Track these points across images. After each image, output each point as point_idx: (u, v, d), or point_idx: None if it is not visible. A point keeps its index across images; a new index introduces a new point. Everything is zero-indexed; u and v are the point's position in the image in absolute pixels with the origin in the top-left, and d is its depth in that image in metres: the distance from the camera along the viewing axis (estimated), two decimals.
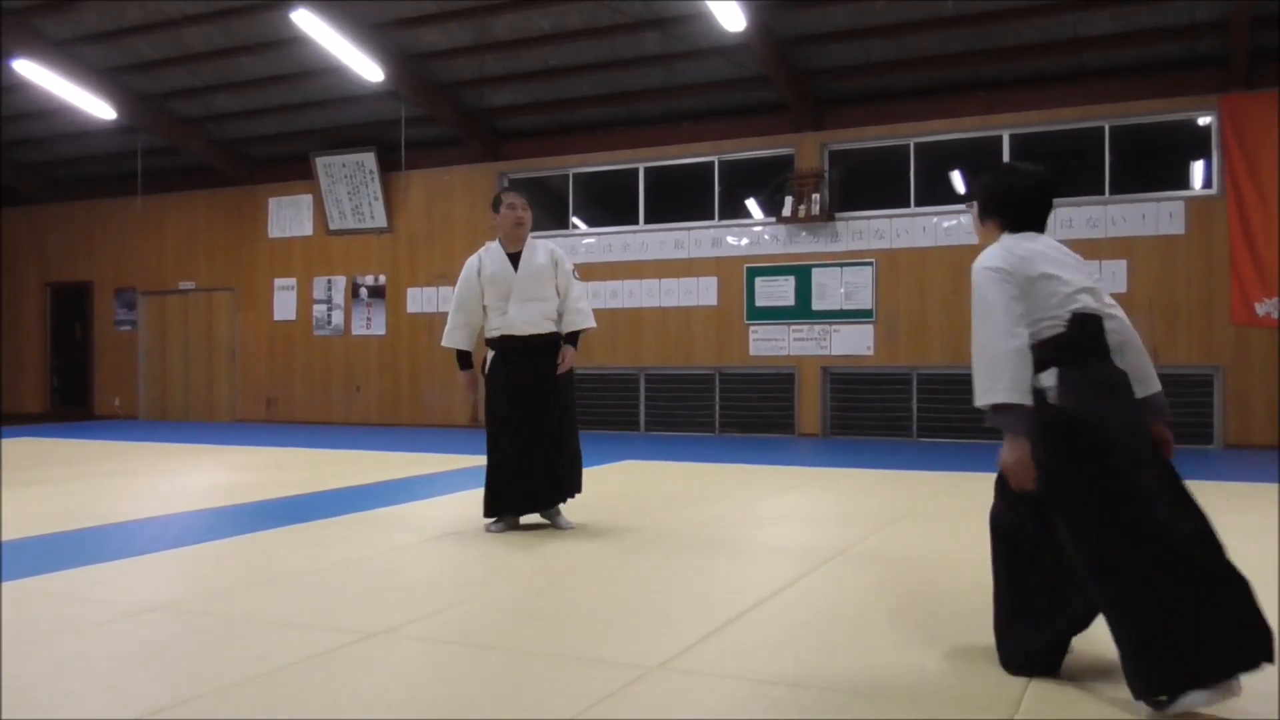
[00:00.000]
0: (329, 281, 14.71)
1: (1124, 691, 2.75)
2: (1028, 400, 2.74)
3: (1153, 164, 11.05)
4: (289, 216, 14.99)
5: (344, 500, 6.74)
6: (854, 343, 11.83)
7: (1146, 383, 3.00)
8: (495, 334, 5.50)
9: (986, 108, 11.31)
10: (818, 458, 9.72)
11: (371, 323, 14.43)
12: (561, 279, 5.53)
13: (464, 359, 5.61)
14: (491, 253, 5.53)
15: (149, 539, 5.37)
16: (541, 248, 5.54)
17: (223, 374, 15.57)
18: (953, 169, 11.95)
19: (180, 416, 15.83)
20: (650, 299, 12.78)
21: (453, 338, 5.58)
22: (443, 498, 6.91)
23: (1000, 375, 2.74)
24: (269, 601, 3.93)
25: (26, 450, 9.72)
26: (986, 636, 3.31)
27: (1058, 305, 2.84)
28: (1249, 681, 2.63)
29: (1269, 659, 2.60)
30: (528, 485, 5.34)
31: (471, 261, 5.56)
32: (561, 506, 5.53)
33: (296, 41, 12.02)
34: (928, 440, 11.44)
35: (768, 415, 12.23)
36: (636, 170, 12.94)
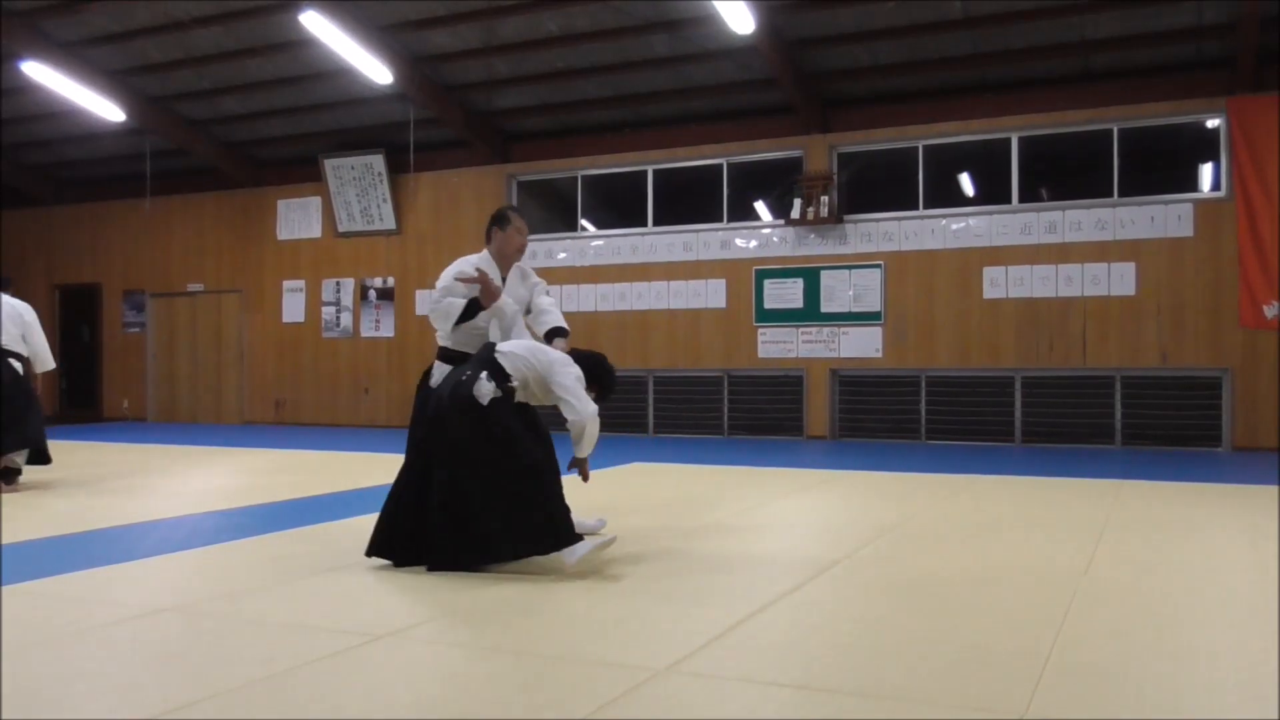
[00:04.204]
0: (337, 284, 14.74)
1: (1131, 690, 2.76)
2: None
3: (1161, 166, 11.02)
4: (297, 218, 15.02)
5: (351, 502, 6.75)
6: (862, 345, 11.81)
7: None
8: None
9: (995, 110, 11.30)
10: (826, 460, 9.71)
11: (380, 325, 14.45)
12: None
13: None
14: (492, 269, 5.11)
15: (158, 541, 5.39)
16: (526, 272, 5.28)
17: (231, 376, 15.60)
18: (961, 171, 11.93)
19: (189, 418, 15.87)
20: (659, 301, 12.78)
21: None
22: None
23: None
24: (277, 604, 3.94)
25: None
26: (993, 637, 3.30)
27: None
28: (1247, 682, 2.62)
29: None
30: None
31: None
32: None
33: (305, 44, 12.05)
34: (936, 443, 11.42)
35: (776, 418, 12.22)
36: (645, 172, 12.94)
